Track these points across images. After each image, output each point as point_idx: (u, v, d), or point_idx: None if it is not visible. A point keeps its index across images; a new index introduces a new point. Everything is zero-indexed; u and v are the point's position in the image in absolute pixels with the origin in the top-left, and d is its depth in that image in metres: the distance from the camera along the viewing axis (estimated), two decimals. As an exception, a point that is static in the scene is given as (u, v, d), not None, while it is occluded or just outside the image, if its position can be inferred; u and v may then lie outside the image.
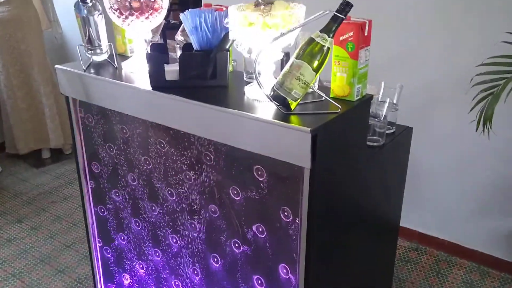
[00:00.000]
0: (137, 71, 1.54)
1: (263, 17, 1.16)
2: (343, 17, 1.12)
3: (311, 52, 1.14)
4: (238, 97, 1.34)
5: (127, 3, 1.41)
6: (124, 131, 1.57)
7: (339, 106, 1.20)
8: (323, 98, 1.27)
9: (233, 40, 1.35)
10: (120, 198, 1.70)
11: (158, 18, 1.49)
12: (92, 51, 1.59)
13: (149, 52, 1.40)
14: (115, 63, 1.60)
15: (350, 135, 1.28)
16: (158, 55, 1.36)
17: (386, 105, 1.51)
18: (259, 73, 1.27)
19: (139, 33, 1.52)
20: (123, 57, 1.71)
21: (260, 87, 1.21)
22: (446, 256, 2.45)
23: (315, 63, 1.14)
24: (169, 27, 1.79)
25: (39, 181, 3.25)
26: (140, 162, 1.57)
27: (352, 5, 1.12)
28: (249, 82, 1.45)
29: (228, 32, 1.35)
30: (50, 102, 3.39)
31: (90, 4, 1.49)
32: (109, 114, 1.58)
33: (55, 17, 3.47)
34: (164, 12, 1.50)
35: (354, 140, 1.30)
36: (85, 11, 1.49)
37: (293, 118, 1.17)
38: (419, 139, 1.79)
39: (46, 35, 3.42)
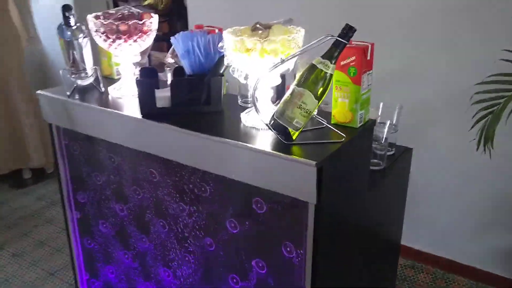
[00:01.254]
0: (125, 96, 1.46)
1: (261, 43, 1.09)
2: (346, 42, 1.06)
3: (313, 79, 1.07)
4: (234, 125, 1.26)
5: (114, 26, 1.33)
6: (112, 160, 1.48)
7: (343, 134, 1.13)
8: (324, 125, 1.20)
9: (228, 65, 1.28)
10: (108, 229, 1.61)
11: (147, 41, 1.42)
12: (76, 75, 1.51)
13: (139, 78, 1.32)
14: (101, 87, 1.51)
15: (355, 164, 1.22)
16: (148, 82, 1.28)
17: (387, 127, 1.45)
18: (256, 99, 1.20)
19: (127, 56, 1.44)
20: (110, 80, 1.63)
21: (259, 115, 1.14)
22: (442, 273, 2.41)
23: (318, 91, 1.07)
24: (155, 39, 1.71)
25: (20, 203, 3.13)
26: (130, 193, 1.48)
27: (355, 30, 1.06)
28: (244, 107, 1.38)
29: (222, 55, 1.28)
30: (30, 121, 3.27)
31: (74, 27, 1.40)
32: (96, 142, 1.50)
33: (35, 33, 3.36)
34: (153, 34, 1.43)
35: (358, 168, 1.24)
36: (69, 34, 1.40)
37: (295, 148, 1.10)
38: (416, 156, 1.74)
39: (25, 52, 3.31)
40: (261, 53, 1.10)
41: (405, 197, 1.67)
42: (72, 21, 1.38)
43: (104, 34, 1.35)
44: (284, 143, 1.11)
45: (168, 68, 1.50)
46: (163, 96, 1.30)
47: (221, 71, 1.29)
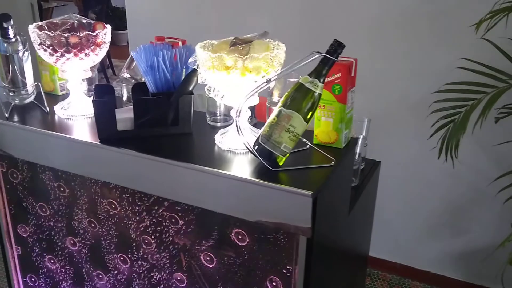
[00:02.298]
0: (74, 116, 1.29)
1: (243, 60, 0.98)
2: (335, 59, 0.98)
3: (301, 99, 0.98)
4: (207, 148, 1.15)
5: (63, 39, 1.16)
6: (62, 189, 1.30)
7: (332, 158, 1.05)
8: (308, 146, 1.12)
9: (197, 81, 1.16)
10: (57, 265, 1.43)
11: (100, 55, 1.26)
12: (15, 93, 1.31)
13: (94, 97, 1.16)
14: (46, 106, 1.33)
15: (341, 187, 1.14)
16: (107, 102, 1.12)
17: (360, 142, 1.39)
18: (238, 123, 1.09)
19: (76, 72, 1.27)
20: (53, 96, 1.44)
21: (242, 139, 1.03)
22: (399, 279, 2.42)
23: (306, 112, 0.98)
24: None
25: None
26: (83, 225, 1.31)
27: (344, 46, 0.98)
28: (214, 126, 1.26)
29: (191, 71, 1.16)
30: None
31: (13, 40, 1.21)
32: (41, 169, 1.31)
33: None
34: (106, 47, 1.27)
35: (343, 191, 1.17)
36: (7, 48, 1.21)
37: (282, 176, 1.01)
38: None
39: None
40: (242, 71, 0.99)
41: (373, 208, 1.64)
42: (11, 33, 1.19)
43: (51, 47, 1.18)
44: (269, 169, 1.01)
45: (124, 84, 1.35)
46: (124, 117, 1.15)
47: (190, 88, 1.17)
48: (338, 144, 1.12)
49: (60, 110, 1.31)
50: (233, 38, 1.09)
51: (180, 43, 1.29)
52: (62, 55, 1.19)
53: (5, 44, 1.21)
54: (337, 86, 1.07)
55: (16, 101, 1.33)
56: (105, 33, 1.23)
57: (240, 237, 1.09)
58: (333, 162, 1.04)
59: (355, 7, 2.10)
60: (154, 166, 1.10)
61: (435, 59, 2.03)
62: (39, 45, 1.19)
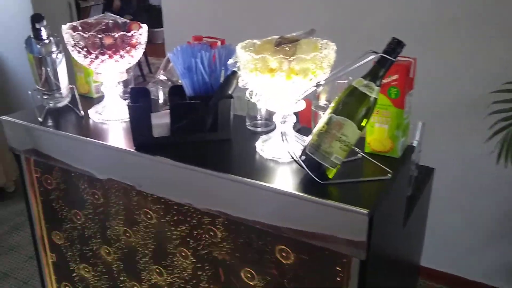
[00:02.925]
0: (109, 121, 1.23)
1: (289, 62, 0.89)
2: (394, 59, 0.88)
3: (355, 105, 0.88)
4: (248, 156, 1.06)
5: (97, 40, 1.10)
6: (96, 196, 1.24)
7: (389, 170, 0.94)
8: (360, 156, 1.01)
9: (237, 84, 1.07)
10: (91, 274, 1.37)
11: (135, 56, 1.19)
12: (49, 96, 1.26)
13: (129, 101, 1.10)
14: (80, 110, 1.27)
15: (397, 201, 1.04)
16: (142, 107, 1.05)
17: (416, 149, 1.27)
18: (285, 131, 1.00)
19: (111, 75, 1.20)
20: (87, 99, 1.39)
21: (288, 149, 0.94)
22: (447, 290, 2.28)
23: (360, 119, 0.88)
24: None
25: (-21, 229, 2.81)
26: (118, 234, 1.25)
27: (404, 45, 0.88)
28: (254, 132, 1.18)
29: (230, 73, 1.07)
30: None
31: (46, 42, 1.16)
32: (76, 176, 1.26)
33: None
34: (142, 48, 1.20)
35: (399, 204, 1.06)
36: (40, 50, 1.16)
37: (332, 189, 0.91)
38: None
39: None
40: (288, 74, 0.90)
41: (426, 216, 1.52)
42: (44, 34, 1.13)
43: (85, 49, 1.12)
44: (317, 182, 0.91)
45: (160, 87, 1.28)
46: (160, 123, 1.08)
47: (230, 92, 1.08)
48: (394, 153, 1.01)
49: (94, 114, 1.25)
50: (277, 37, 0.99)
51: (219, 42, 1.21)
52: (96, 57, 1.13)
53: (38, 46, 1.15)
54: (394, 89, 0.97)
55: (50, 105, 1.28)
56: (141, 34, 1.16)
57: (284, 254, 1.00)
58: (389, 175, 0.93)
59: (406, 2, 1.96)
60: (191, 175, 1.02)
61: (493, 57, 1.87)
62: (72, 46, 1.13)
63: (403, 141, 1.02)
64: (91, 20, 1.20)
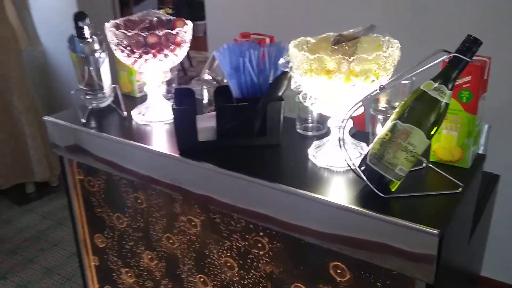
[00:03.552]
0: (153, 122, 1.18)
1: (349, 62, 0.80)
2: (469, 60, 0.78)
3: (424, 111, 0.79)
4: (299, 164, 0.98)
5: (141, 38, 1.04)
6: (139, 201, 1.20)
7: (459, 183, 0.85)
8: (424, 165, 0.92)
9: (288, 86, 1.00)
10: (134, 279, 1.34)
11: (180, 55, 1.13)
12: (91, 96, 1.22)
13: (174, 103, 1.04)
14: (123, 111, 1.23)
15: (466, 216, 0.93)
16: (188, 111, 0.99)
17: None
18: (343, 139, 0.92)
19: (155, 74, 1.15)
20: (130, 98, 1.34)
21: (347, 159, 0.86)
22: (504, 301, 2.13)
23: (430, 127, 0.79)
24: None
25: (24, 223, 2.85)
26: (161, 240, 1.20)
27: (481, 43, 0.77)
28: (305, 136, 1.10)
29: (281, 73, 0.99)
30: (33, 130, 2.98)
31: (89, 40, 1.11)
32: (118, 178, 1.21)
33: (35, 33, 3.06)
34: (187, 46, 1.14)
35: (466, 219, 0.96)
36: (83, 49, 1.11)
37: (394, 204, 0.82)
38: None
39: (25, 55, 3.02)
40: (347, 76, 0.82)
41: (489, 228, 1.40)
42: (86, 32, 1.09)
43: (128, 48, 1.06)
44: (379, 196, 0.83)
45: (205, 87, 1.21)
46: (206, 127, 1.02)
47: (280, 94, 1.01)
48: (464, 163, 0.91)
49: (137, 116, 1.20)
50: (335, 34, 0.91)
51: (267, 40, 1.13)
52: (140, 56, 1.07)
53: (81, 45, 1.11)
54: (466, 92, 0.87)
55: (93, 105, 1.25)
56: (186, 31, 1.10)
57: (339, 271, 0.92)
58: (460, 189, 0.84)
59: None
60: (238, 183, 0.96)
61: None
62: (116, 45, 1.08)
63: (474, 150, 0.92)
64: (134, 17, 1.15)
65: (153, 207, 1.17)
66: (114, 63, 1.32)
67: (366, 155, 0.83)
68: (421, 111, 0.79)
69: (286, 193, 0.89)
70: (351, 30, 0.93)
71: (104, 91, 1.23)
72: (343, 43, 0.85)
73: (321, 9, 2.12)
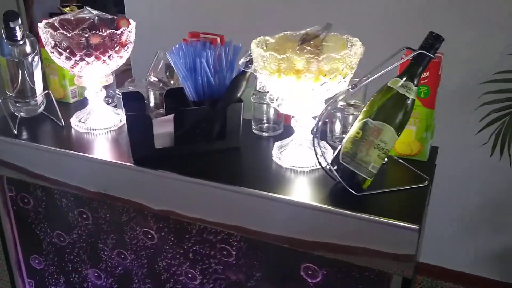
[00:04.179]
0: (96, 130, 1.09)
1: (318, 61, 0.79)
2: (432, 56, 0.80)
3: (393, 108, 0.80)
4: (263, 166, 0.96)
5: (83, 39, 0.96)
6: (85, 216, 1.10)
7: (426, 176, 0.87)
8: (386, 161, 0.93)
9: (246, 86, 0.97)
10: (79, 300, 1.23)
11: (125, 56, 1.05)
12: (22, 104, 1.11)
13: (125, 110, 0.96)
14: (60, 119, 1.12)
15: (427, 208, 0.97)
16: (143, 117, 0.93)
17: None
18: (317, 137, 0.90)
19: (96, 78, 1.06)
20: (63, 105, 1.24)
21: (321, 159, 0.85)
22: (430, 281, 2.27)
23: (399, 124, 0.80)
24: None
25: None
26: (111, 256, 1.12)
27: (443, 39, 0.80)
28: (260, 136, 1.08)
29: (239, 73, 0.96)
30: None
31: (21, 43, 1.00)
32: (59, 193, 1.11)
33: None
34: (131, 47, 1.07)
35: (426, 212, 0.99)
36: (14, 52, 1.00)
37: (369, 202, 0.82)
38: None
39: None
40: (317, 75, 0.81)
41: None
42: (18, 34, 0.98)
43: (68, 50, 0.97)
44: (352, 194, 0.83)
45: (151, 89, 1.15)
46: (162, 133, 0.96)
47: (239, 95, 0.98)
48: (422, 156, 0.94)
49: (77, 123, 1.10)
50: (295, 33, 0.90)
51: (218, 39, 1.09)
52: (81, 59, 0.98)
53: (12, 48, 0.99)
54: (424, 87, 0.89)
55: (22, 114, 1.13)
56: (130, 31, 1.03)
57: (310, 272, 0.91)
58: (426, 182, 0.86)
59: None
60: (201, 190, 0.91)
61: (482, 47, 1.82)
62: (52, 47, 0.98)
63: (430, 143, 0.95)
64: (68, 16, 1.05)
65: (102, 222, 1.09)
66: (43, 67, 1.21)
67: (337, 154, 0.83)
68: (390, 108, 0.80)
69: (254, 196, 0.87)
70: (308, 29, 0.92)
71: (36, 98, 1.11)
72: (311, 42, 0.84)
73: (247, 7, 2.11)
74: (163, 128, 0.96)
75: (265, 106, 1.07)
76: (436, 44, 0.80)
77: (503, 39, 1.71)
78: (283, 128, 1.09)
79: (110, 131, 1.10)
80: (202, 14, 2.19)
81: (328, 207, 0.81)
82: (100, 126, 1.10)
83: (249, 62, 0.93)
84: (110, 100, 1.25)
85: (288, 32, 0.93)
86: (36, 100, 1.12)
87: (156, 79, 1.15)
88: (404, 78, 0.80)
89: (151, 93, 1.14)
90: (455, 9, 1.79)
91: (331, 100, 0.81)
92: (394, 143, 0.81)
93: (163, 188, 0.95)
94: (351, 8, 1.92)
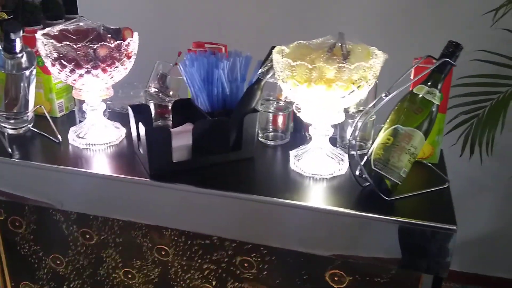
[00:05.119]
0: (96, 145, 1.04)
1: (350, 70, 0.81)
2: (454, 63, 0.84)
3: (421, 114, 0.83)
4: (283, 175, 0.96)
5: (91, 51, 0.91)
6: (88, 236, 1.05)
7: (447, 178, 0.91)
8: (401, 165, 0.96)
9: (260, 96, 0.97)
10: (76, 326, 1.16)
11: (129, 68, 1.01)
12: (16, 120, 1.03)
13: (149, 127, 0.91)
14: (57, 134, 1.06)
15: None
16: (163, 131, 0.89)
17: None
18: (356, 146, 0.91)
19: (96, 91, 1.01)
20: (44, 118, 1.16)
21: (357, 166, 0.86)
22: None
23: (426, 129, 0.83)
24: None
25: None
26: (117, 276, 1.07)
27: (462, 47, 0.84)
28: (266, 144, 1.07)
29: (253, 83, 0.96)
30: None
31: (20, 55, 0.93)
32: (57, 214, 1.04)
33: None
34: (134, 58, 1.02)
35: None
36: (8, 65, 0.92)
37: (399, 206, 0.85)
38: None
39: None
40: (348, 84, 0.82)
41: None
42: (18, 46, 0.91)
43: (73, 63, 0.92)
44: (383, 199, 0.85)
45: (151, 101, 1.11)
46: (180, 146, 0.93)
47: (253, 105, 0.97)
48: (434, 159, 0.98)
49: (77, 139, 1.04)
50: (314, 41, 0.91)
51: (223, 49, 1.08)
52: (88, 72, 0.93)
53: (8, 61, 0.92)
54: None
55: (10, 131, 1.05)
56: (135, 41, 0.99)
57: (336, 278, 0.92)
58: (447, 183, 0.90)
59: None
60: (223, 202, 0.90)
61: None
62: (55, 60, 0.92)
63: (440, 146, 0.99)
64: (67, 27, 0.99)
65: (107, 240, 1.03)
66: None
67: (368, 161, 0.85)
68: (417, 114, 0.83)
69: (279, 205, 0.86)
70: (319, 39, 0.93)
71: (28, 114, 1.04)
72: (342, 51, 0.85)
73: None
74: (180, 141, 0.93)
75: (271, 114, 1.07)
76: (456, 52, 0.84)
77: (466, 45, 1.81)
78: (289, 136, 1.09)
79: (111, 146, 1.05)
80: (185, 22, 2.10)
81: (362, 213, 0.82)
82: (101, 141, 1.04)
83: (267, 71, 0.93)
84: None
85: (302, 41, 0.94)
86: (28, 116, 1.04)
87: (156, 90, 1.11)
88: (428, 85, 0.83)
89: (151, 104, 1.11)
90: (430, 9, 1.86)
91: (366, 109, 0.83)
92: (422, 147, 0.84)
93: (181, 202, 0.93)
94: (348, 12, 1.93)
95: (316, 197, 0.88)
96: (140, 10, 2.07)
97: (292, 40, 0.92)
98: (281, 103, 1.07)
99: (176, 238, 0.98)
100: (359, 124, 0.83)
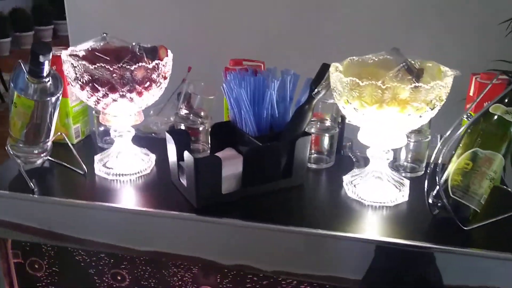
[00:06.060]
0: (125, 175, 0.93)
1: (426, 90, 0.74)
2: (530, 81, 0.78)
3: (500, 136, 0.77)
4: (340, 203, 0.88)
5: (127, 73, 0.81)
6: (119, 277, 0.94)
7: (519, 202, 0.85)
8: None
9: (311, 118, 0.89)
10: None
11: (163, 89, 0.92)
12: (37, 151, 0.92)
13: (199, 157, 0.81)
14: (82, 165, 0.95)
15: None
16: (214, 160, 0.80)
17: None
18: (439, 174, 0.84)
19: (127, 116, 0.91)
20: (63, 146, 1.05)
21: (442, 198, 0.78)
22: None
23: (505, 152, 0.77)
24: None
25: None
26: (152, 320, 0.96)
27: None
28: (309, 168, 0.99)
29: (303, 103, 0.88)
30: None
31: (46, 80, 0.82)
32: (84, 254, 0.93)
33: None
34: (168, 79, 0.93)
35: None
36: (41, 92, 0.82)
37: (476, 235, 0.78)
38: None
39: None
40: (422, 104, 0.75)
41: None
42: (46, 69, 0.80)
43: (107, 86, 0.82)
44: (459, 228, 0.78)
45: (180, 123, 1.02)
46: (228, 175, 0.84)
47: (305, 127, 0.89)
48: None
49: (102, 169, 0.94)
50: (368, 57, 0.84)
51: (262, 66, 1.00)
52: (122, 96, 0.83)
53: (33, 85, 0.81)
54: (502, 111, 0.87)
55: (29, 162, 0.94)
56: (170, 60, 0.90)
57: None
58: (519, 207, 0.84)
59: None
60: (279, 237, 0.81)
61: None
62: (84, 83, 0.82)
63: (504, 166, 0.93)
64: (94, 45, 0.89)
65: (142, 281, 0.93)
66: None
67: (445, 187, 0.78)
68: (497, 136, 0.76)
69: (343, 240, 0.78)
70: (370, 55, 0.87)
71: (48, 143, 0.93)
72: (416, 70, 0.78)
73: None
74: (226, 169, 0.84)
75: (313, 136, 0.99)
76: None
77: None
78: (334, 159, 1.01)
79: (141, 176, 0.95)
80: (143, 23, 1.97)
81: (440, 246, 0.75)
82: (131, 170, 0.94)
83: (321, 90, 0.85)
84: (108, 139, 1.07)
85: (355, 58, 0.87)
86: (48, 145, 0.93)
87: (187, 112, 1.02)
88: (505, 104, 0.77)
89: (182, 127, 1.01)
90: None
91: (447, 134, 0.76)
92: (501, 171, 0.78)
93: (233, 238, 0.84)
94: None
95: (383, 229, 0.80)
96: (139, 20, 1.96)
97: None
98: (327, 123, 1.00)
99: (227, 278, 0.89)
100: (443, 150, 0.76)
